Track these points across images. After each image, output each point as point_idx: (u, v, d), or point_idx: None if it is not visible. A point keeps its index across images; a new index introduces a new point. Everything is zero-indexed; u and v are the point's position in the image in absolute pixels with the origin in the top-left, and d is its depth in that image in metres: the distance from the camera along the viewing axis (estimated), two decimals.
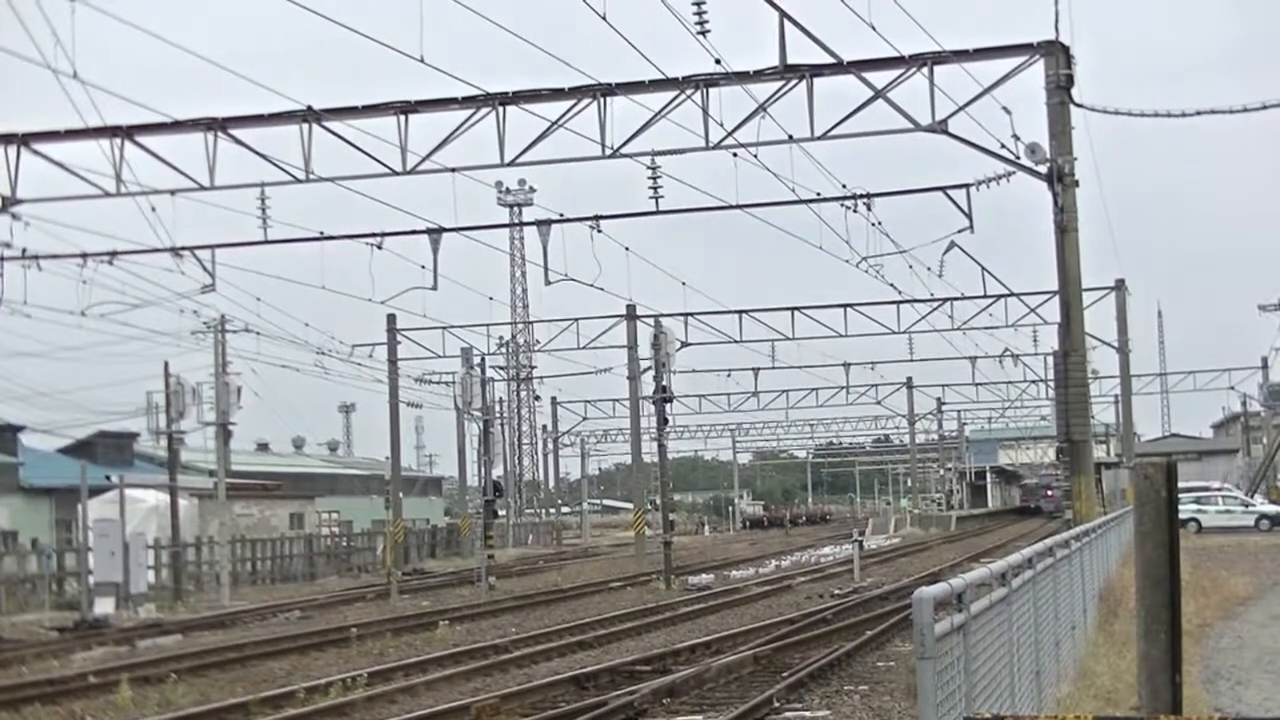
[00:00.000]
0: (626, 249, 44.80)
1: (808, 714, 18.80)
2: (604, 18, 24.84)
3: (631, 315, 63.04)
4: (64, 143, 35.70)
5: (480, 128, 33.71)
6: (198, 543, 53.53)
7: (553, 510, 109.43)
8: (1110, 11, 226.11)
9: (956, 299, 59.23)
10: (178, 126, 34.99)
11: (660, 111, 32.93)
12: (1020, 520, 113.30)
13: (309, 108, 33.99)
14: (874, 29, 28.60)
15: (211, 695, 22.55)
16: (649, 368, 49.49)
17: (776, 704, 19.18)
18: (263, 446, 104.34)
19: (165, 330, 57.54)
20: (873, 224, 37.31)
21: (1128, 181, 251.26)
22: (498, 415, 68.26)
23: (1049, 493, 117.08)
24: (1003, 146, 31.26)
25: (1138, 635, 9.54)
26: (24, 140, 35.70)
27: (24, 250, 39.11)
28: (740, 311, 66.03)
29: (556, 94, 33.43)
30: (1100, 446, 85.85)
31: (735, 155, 33.76)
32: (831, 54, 30.57)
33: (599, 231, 38.08)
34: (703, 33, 28.48)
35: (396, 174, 34.35)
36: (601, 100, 33.07)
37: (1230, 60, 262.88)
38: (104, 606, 38.71)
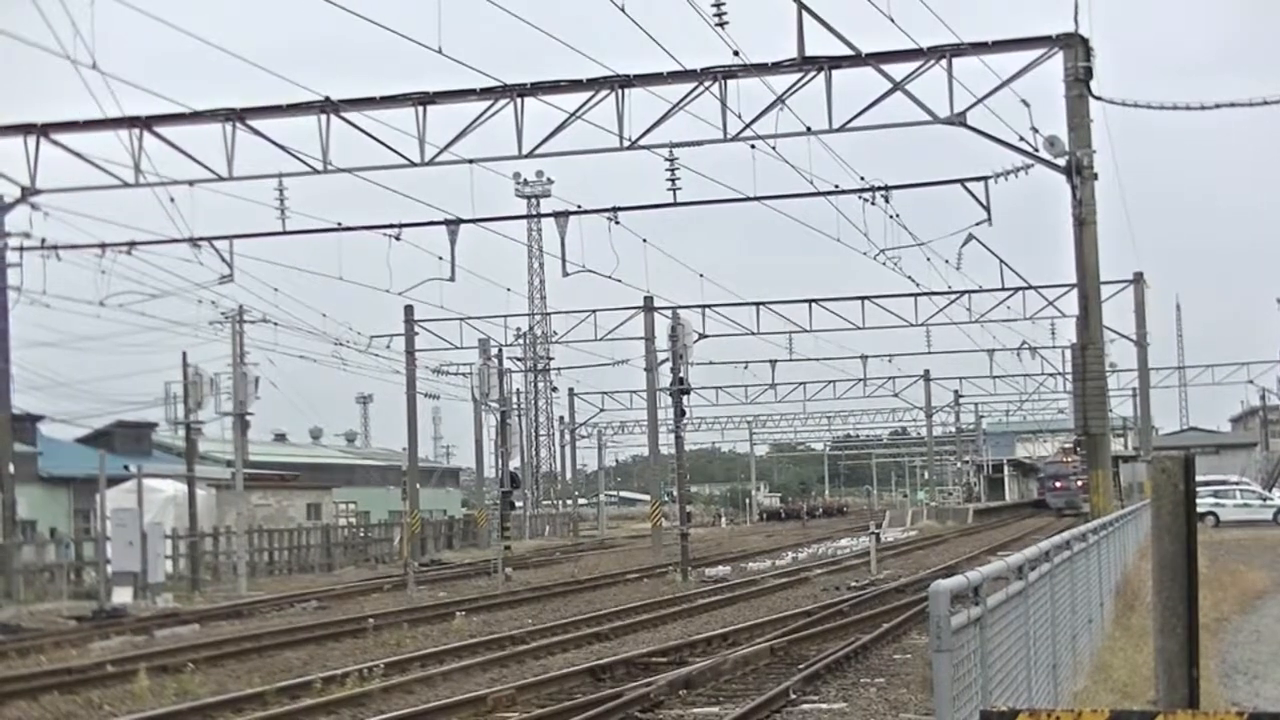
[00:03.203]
0: (644, 241, 44.86)
1: (824, 706, 18.79)
2: (623, 9, 24.88)
3: (649, 307, 63.04)
4: (83, 133, 35.80)
5: (498, 119, 33.74)
6: (215, 533, 53.67)
7: (569, 502, 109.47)
8: (1126, 7, 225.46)
9: (974, 292, 59.27)
10: (196, 117, 35.08)
11: (678, 103, 32.93)
12: (1038, 514, 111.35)
13: (327, 99, 34.04)
14: (892, 21, 28.61)
15: (229, 685, 22.59)
16: (666, 359, 49.51)
17: (793, 696, 19.16)
18: (280, 437, 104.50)
19: (183, 320, 57.74)
20: (890, 216, 37.32)
21: (1146, 175, 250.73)
22: (515, 407, 68.37)
23: (1058, 484, 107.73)
24: (1021, 139, 31.24)
25: (1155, 629, 9.54)
26: (43, 131, 35.80)
27: (43, 240, 39.25)
28: (758, 304, 66.09)
29: (575, 85, 33.44)
30: (1118, 440, 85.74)
31: (753, 147, 33.77)
32: (850, 46, 30.56)
33: (616, 223, 38.10)
34: (721, 24, 28.48)
35: (414, 165, 34.39)
36: (619, 92, 33.08)
37: (1245, 56, 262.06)
38: (122, 596, 38.81)
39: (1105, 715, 6.63)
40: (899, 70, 31.73)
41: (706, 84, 32.59)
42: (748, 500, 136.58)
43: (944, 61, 31.33)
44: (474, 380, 49.70)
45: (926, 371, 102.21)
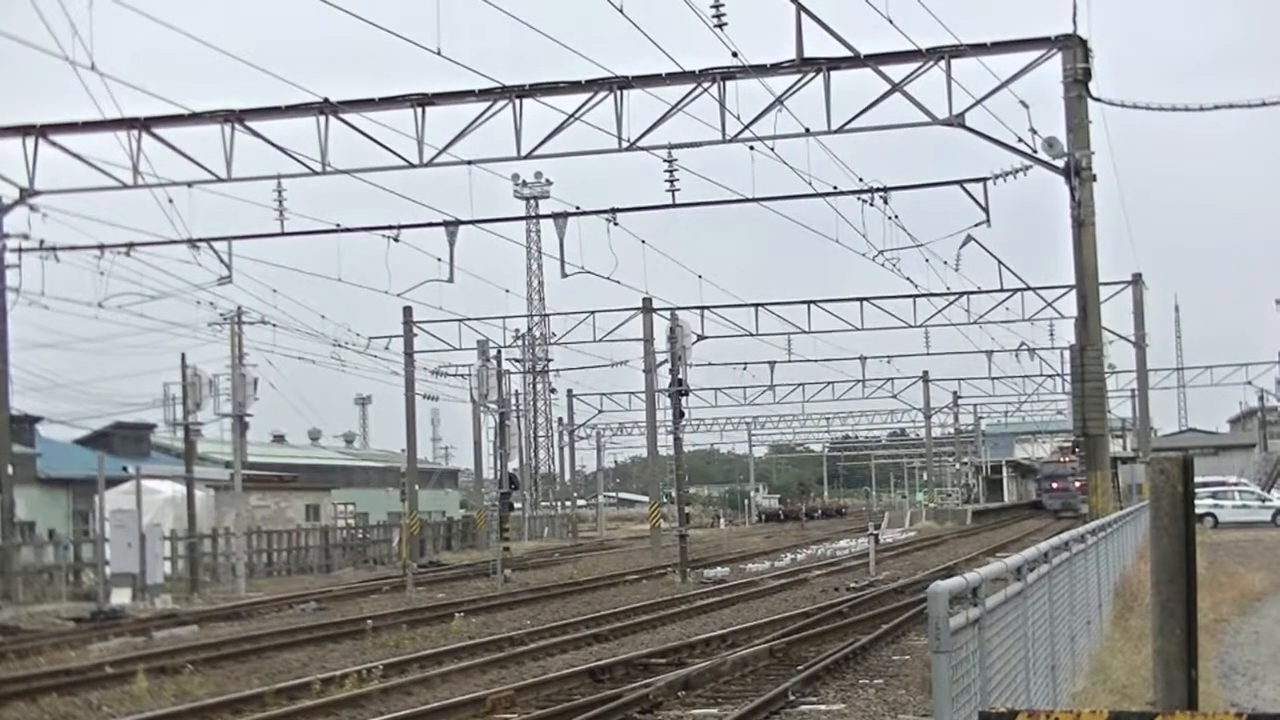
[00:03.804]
0: (643, 242, 44.87)
1: (823, 707, 18.79)
2: (621, 10, 24.87)
3: (648, 308, 63.02)
4: (81, 134, 35.83)
5: (497, 120, 33.78)
6: (214, 534, 53.63)
7: (568, 503, 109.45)
8: (1126, 9, 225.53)
9: (973, 293, 59.28)
10: (195, 119, 35.10)
11: (677, 104, 32.95)
12: (1036, 515, 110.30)
13: (326, 100, 34.06)
14: (891, 22, 28.63)
15: (227, 686, 22.59)
16: (665, 361, 49.51)
17: (791, 697, 19.16)
18: (279, 438, 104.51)
19: (182, 322, 57.82)
20: (889, 218, 37.37)
21: (1145, 176, 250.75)
22: (514, 408, 68.37)
23: (1054, 485, 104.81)
24: (1020, 140, 31.27)
25: (1153, 630, 9.53)
26: (42, 132, 35.82)
27: (42, 242, 39.29)
28: (756, 305, 66.13)
29: (573, 87, 33.47)
30: (1117, 441, 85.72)
31: (752, 149, 33.78)
32: (848, 47, 30.58)
33: (615, 224, 38.13)
34: (720, 26, 28.48)
35: (413, 166, 34.42)
36: (618, 93, 33.10)
37: (1245, 58, 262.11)
38: (120, 597, 38.79)
39: (1104, 716, 6.63)
40: (898, 72, 31.76)
41: (705, 85, 32.60)
42: (746, 501, 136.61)
43: (943, 63, 31.36)
44: (473, 382, 49.62)
45: (925, 373, 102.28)
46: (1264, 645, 22.44)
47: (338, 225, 39.11)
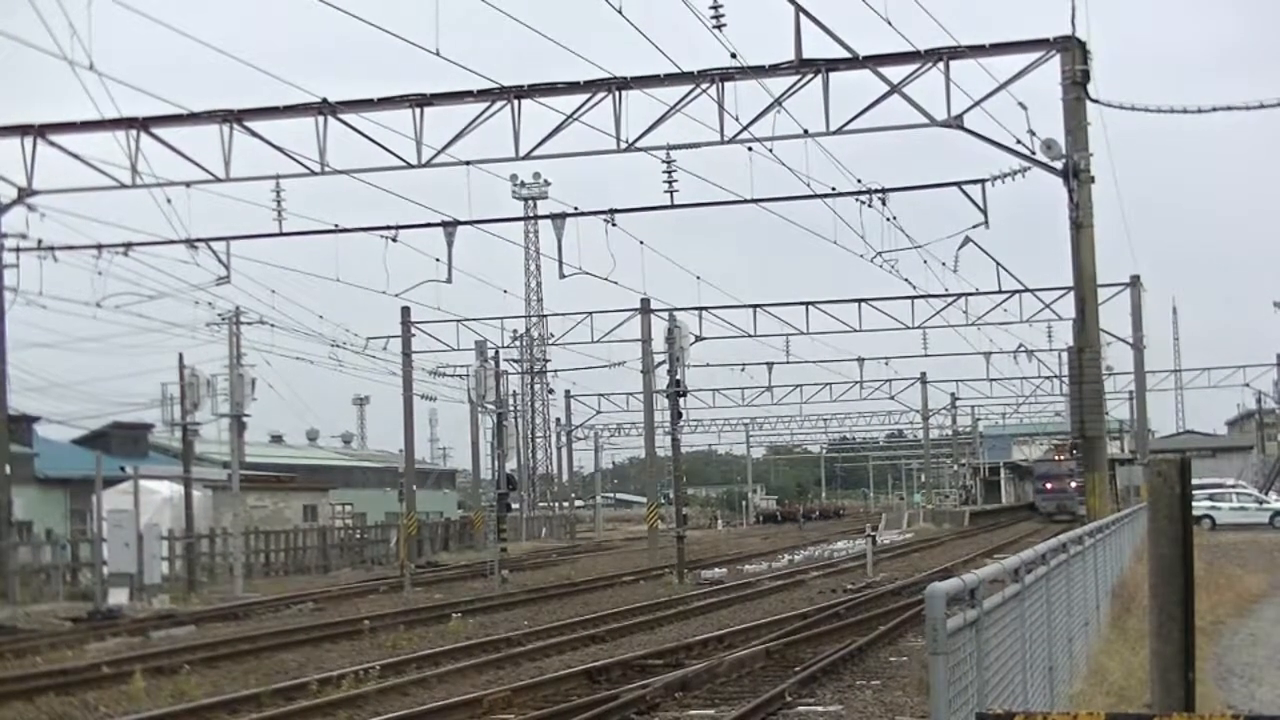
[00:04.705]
0: (641, 243, 44.88)
1: (820, 709, 18.79)
2: (620, 11, 24.88)
3: (646, 309, 62.98)
4: (80, 134, 35.83)
5: (495, 121, 33.77)
6: (212, 534, 53.63)
7: (566, 504, 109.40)
8: (1125, 11, 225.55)
9: (971, 294, 59.22)
10: (193, 119, 35.09)
11: (675, 105, 32.95)
12: (1034, 516, 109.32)
13: (324, 100, 34.06)
14: (889, 24, 28.64)
15: (224, 686, 22.58)
16: (663, 362, 49.49)
17: (788, 698, 19.16)
18: (277, 438, 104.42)
19: (180, 322, 57.74)
20: (887, 219, 37.39)
21: (1144, 178, 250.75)
22: (512, 409, 68.32)
23: (1049, 485, 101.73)
24: (1019, 142, 31.27)
25: (1151, 632, 9.54)
26: (40, 131, 35.81)
27: (40, 241, 39.28)
28: (754, 306, 66.10)
29: (572, 87, 33.46)
30: (1114, 443, 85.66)
31: (750, 150, 33.80)
32: (847, 48, 30.60)
33: (613, 225, 38.13)
34: (719, 27, 28.50)
35: (412, 167, 34.41)
36: (617, 94, 33.10)
37: (1245, 60, 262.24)
38: (118, 597, 38.76)
39: (1101, 718, 6.63)
40: (896, 73, 31.76)
41: (704, 86, 32.60)
42: (744, 503, 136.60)
43: (941, 64, 31.37)
44: (471, 382, 49.61)
45: (923, 374, 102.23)
46: (1261, 647, 22.44)
47: (336, 226, 39.14)
